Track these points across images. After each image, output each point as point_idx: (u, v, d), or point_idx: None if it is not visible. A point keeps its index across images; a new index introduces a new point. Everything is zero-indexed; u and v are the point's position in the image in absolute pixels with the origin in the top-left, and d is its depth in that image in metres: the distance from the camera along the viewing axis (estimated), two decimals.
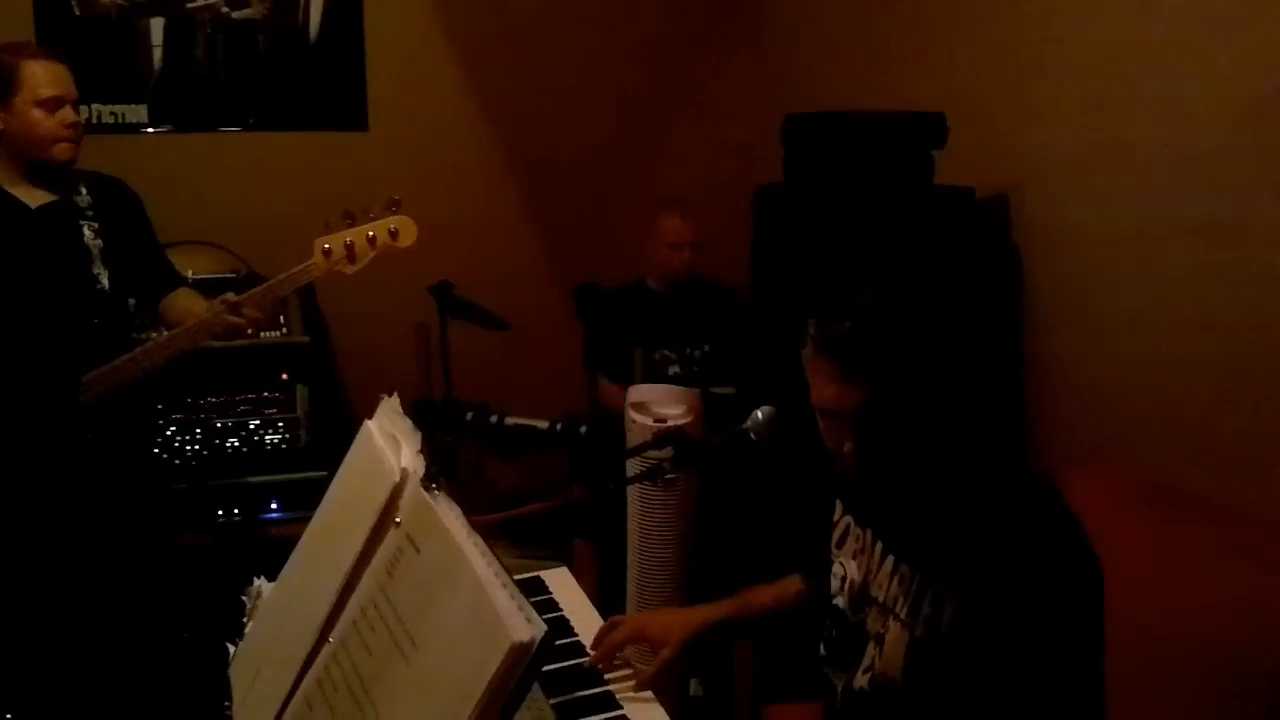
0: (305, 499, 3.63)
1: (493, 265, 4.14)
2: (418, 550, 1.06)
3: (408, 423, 1.25)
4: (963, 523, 1.58)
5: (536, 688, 1.76)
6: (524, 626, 0.90)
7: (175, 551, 3.26)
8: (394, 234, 2.76)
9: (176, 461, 3.60)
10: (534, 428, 3.62)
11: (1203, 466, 2.56)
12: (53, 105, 2.65)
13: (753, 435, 1.95)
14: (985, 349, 2.86)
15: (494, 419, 3.65)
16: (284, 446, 3.72)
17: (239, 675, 1.36)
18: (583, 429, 3.60)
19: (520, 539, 3.83)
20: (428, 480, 1.11)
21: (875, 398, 1.52)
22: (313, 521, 1.38)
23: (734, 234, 3.50)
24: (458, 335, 3.84)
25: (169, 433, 3.60)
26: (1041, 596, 1.51)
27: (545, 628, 0.89)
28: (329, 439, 3.80)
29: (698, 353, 3.87)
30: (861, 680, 1.73)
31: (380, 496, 1.17)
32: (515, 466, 3.93)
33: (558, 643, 1.94)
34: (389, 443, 1.26)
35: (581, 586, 3.64)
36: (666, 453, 2.14)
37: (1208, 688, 2.12)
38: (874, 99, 3.38)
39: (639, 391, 3.08)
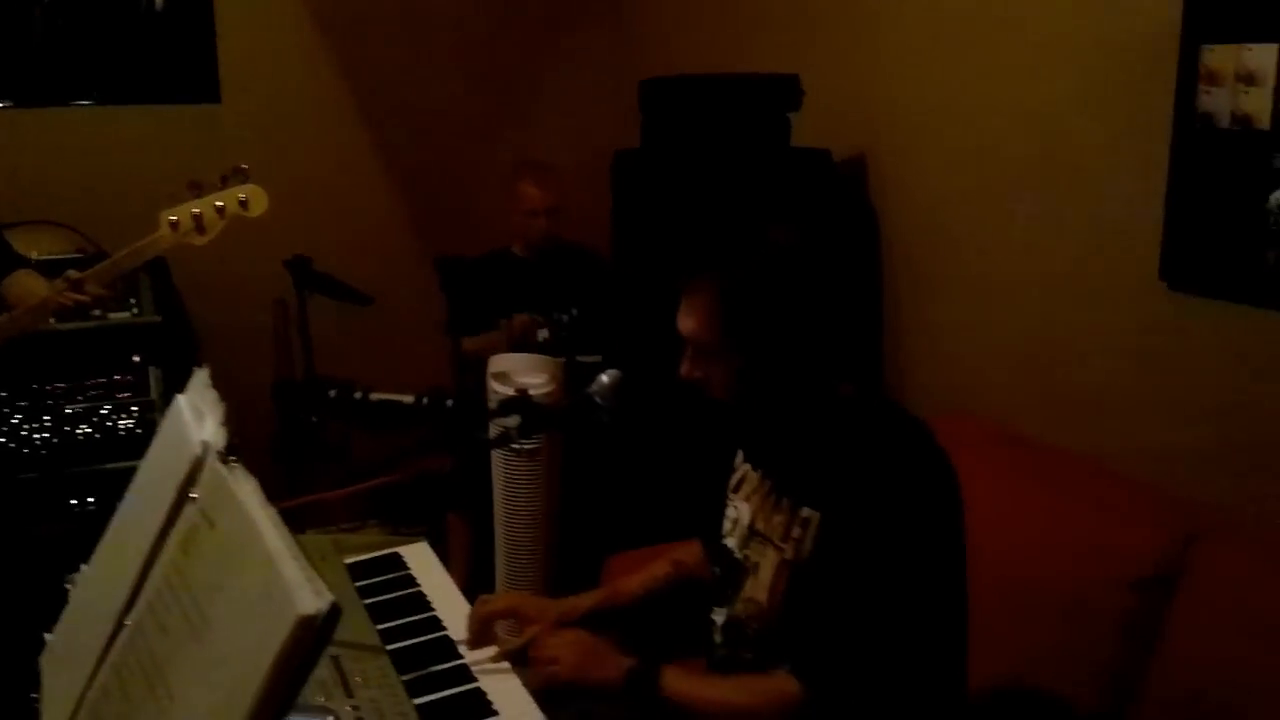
0: None
1: (353, 239, 4.07)
2: (212, 526, 1.02)
3: (214, 395, 1.20)
4: (826, 446, 1.67)
5: (389, 665, 1.74)
6: (311, 599, 0.87)
7: (34, 543, 3.14)
8: (244, 203, 2.69)
9: (25, 450, 3.44)
10: (400, 403, 3.55)
11: (1049, 415, 2.64)
12: None
13: (598, 399, 1.95)
14: (844, 302, 2.92)
15: (358, 396, 3.58)
16: (139, 431, 3.59)
17: (48, 666, 1.30)
18: (449, 402, 3.55)
19: (394, 518, 3.78)
20: (226, 453, 1.07)
21: (743, 335, 1.62)
22: (121, 502, 1.32)
23: (595, 199, 3.48)
24: (319, 311, 3.76)
25: (14, 421, 3.44)
26: (895, 514, 1.58)
27: (333, 599, 0.86)
28: None
29: (565, 318, 3.84)
30: (736, 609, 1.78)
31: (181, 472, 1.12)
32: (383, 444, 3.86)
33: (413, 619, 1.92)
34: (195, 417, 1.21)
35: (456, 561, 3.63)
36: (514, 420, 2.12)
37: (1045, 614, 2.21)
38: (730, 63, 3.39)
39: (501, 361, 3.05)
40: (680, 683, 1.68)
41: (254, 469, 3.32)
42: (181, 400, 1.30)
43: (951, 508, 1.65)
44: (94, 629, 1.15)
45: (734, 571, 1.80)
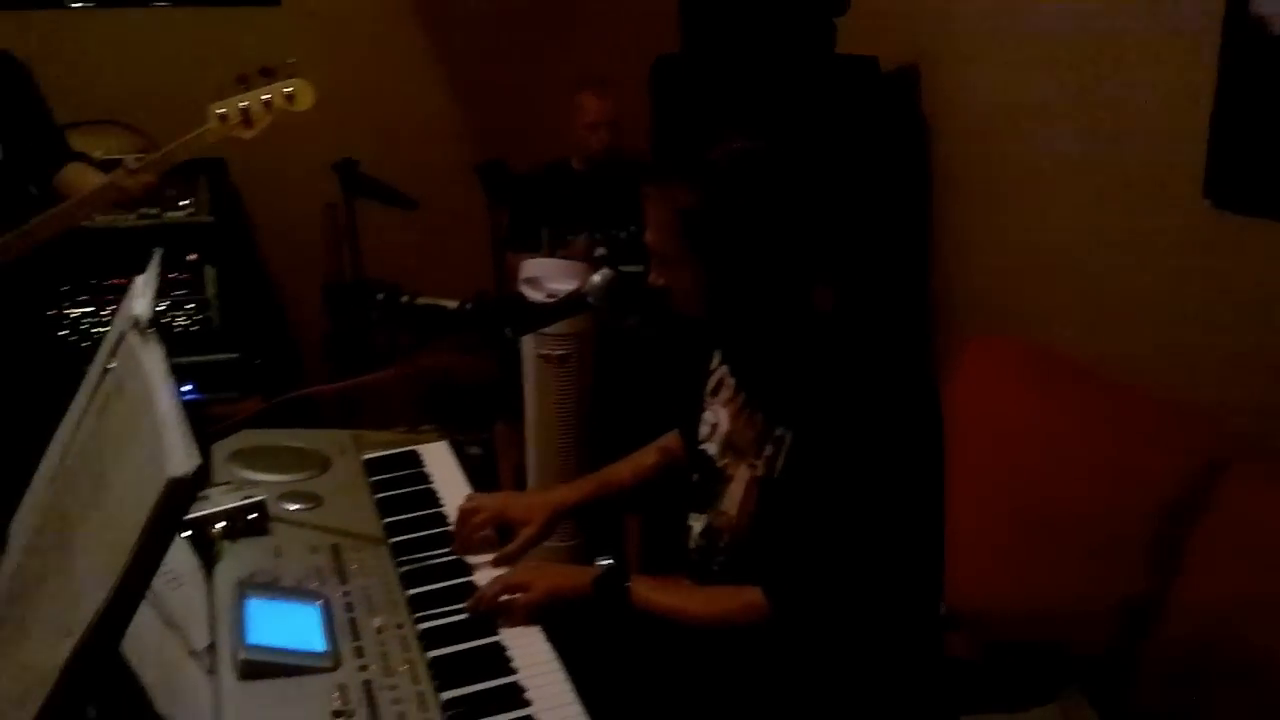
0: (219, 380, 3.64)
1: (401, 144, 4.07)
2: (122, 393, 1.04)
3: (154, 272, 1.22)
4: (798, 363, 1.63)
5: (387, 556, 1.76)
6: (183, 462, 0.88)
7: None
8: (290, 97, 2.69)
9: (84, 344, 3.57)
10: (444, 308, 3.59)
11: (1088, 332, 2.57)
12: None
13: (590, 299, 1.93)
14: (875, 210, 2.86)
15: (404, 299, 3.62)
16: (194, 329, 3.70)
17: (15, 529, 1.34)
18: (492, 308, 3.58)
19: (453, 424, 3.82)
20: (144, 325, 1.08)
21: (702, 244, 1.57)
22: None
23: (635, 106, 3.42)
24: (369, 215, 3.79)
25: (74, 315, 3.57)
26: (866, 435, 1.53)
27: (200, 460, 0.87)
28: (241, 320, 3.78)
29: (623, 234, 3.82)
30: (712, 520, 1.76)
31: (110, 344, 1.14)
32: (430, 348, 3.91)
33: (419, 513, 1.93)
34: (137, 294, 1.23)
35: (505, 468, 3.67)
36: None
37: (1067, 538, 2.17)
38: None
39: (531, 266, 3.05)
40: (650, 592, 1.65)
41: (306, 366, 3.40)
42: (137, 280, 1.32)
43: (927, 431, 1.60)
44: (36, 496, 1.19)
45: (712, 479, 1.77)
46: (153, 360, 1.02)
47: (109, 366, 1.09)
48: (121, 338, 1.12)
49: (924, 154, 3.09)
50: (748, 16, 2.93)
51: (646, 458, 2.03)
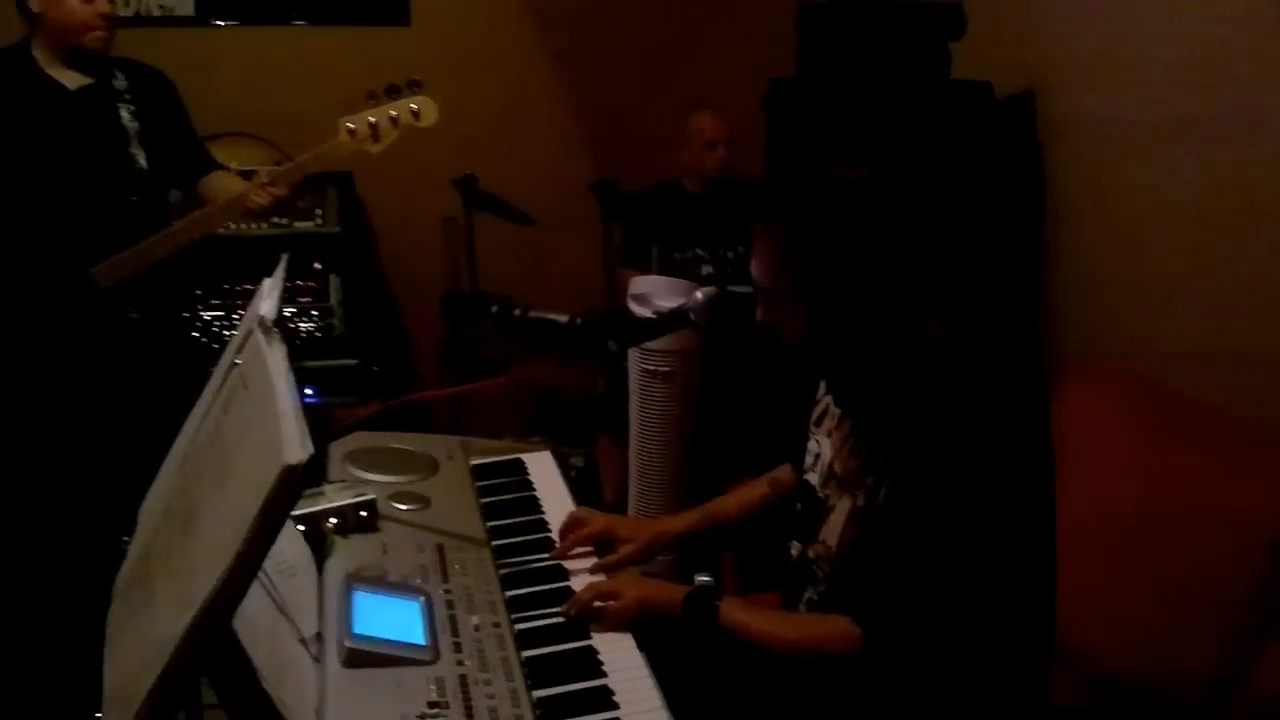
0: (340, 385, 3.77)
1: (521, 161, 4.17)
2: (246, 387, 1.11)
3: (281, 275, 1.30)
4: (905, 394, 1.61)
5: (489, 558, 1.82)
6: (298, 450, 0.94)
7: None
8: (415, 113, 2.81)
9: (215, 346, 3.74)
10: (554, 321, 3.66)
11: (1206, 366, 2.51)
12: None
13: (692, 316, 1.96)
14: (988, 239, 2.83)
15: (517, 312, 3.70)
16: (319, 334, 3.84)
17: (141, 514, 1.43)
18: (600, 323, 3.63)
19: (558, 435, 3.90)
20: (269, 325, 1.16)
21: (807, 279, 1.56)
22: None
23: (749, 128, 3.46)
24: (487, 230, 3.89)
25: (207, 318, 3.74)
26: (971, 471, 1.52)
27: (313, 451, 0.93)
28: (363, 327, 3.91)
29: (731, 254, 3.86)
30: (813, 549, 1.77)
31: (239, 341, 1.22)
32: (539, 360, 3.99)
33: (521, 519, 2.00)
34: (264, 296, 1.31)
35: (608, 482, 3.72)
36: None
37: (1173, 575, 2.12)
38: None
39: (639, 283, 3.10)
40: (740, 613, 1.67)
41: (421, 374, 3.50)
42: (264, 282, 1.40)
43: (1037, 466, 1.57)
44: (164, 481, 1.27)
45: (814, 509, 1.77)
46: (275, 358, 1.09)
47: (235, 362, 1.16)
48: (248, 335, 1.20)
49: (1039, 181, 3.05)
50: (863, 41, 2.94)
51: (756, 490, 2.04)
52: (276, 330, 1.14)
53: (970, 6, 2.93)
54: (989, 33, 2.97)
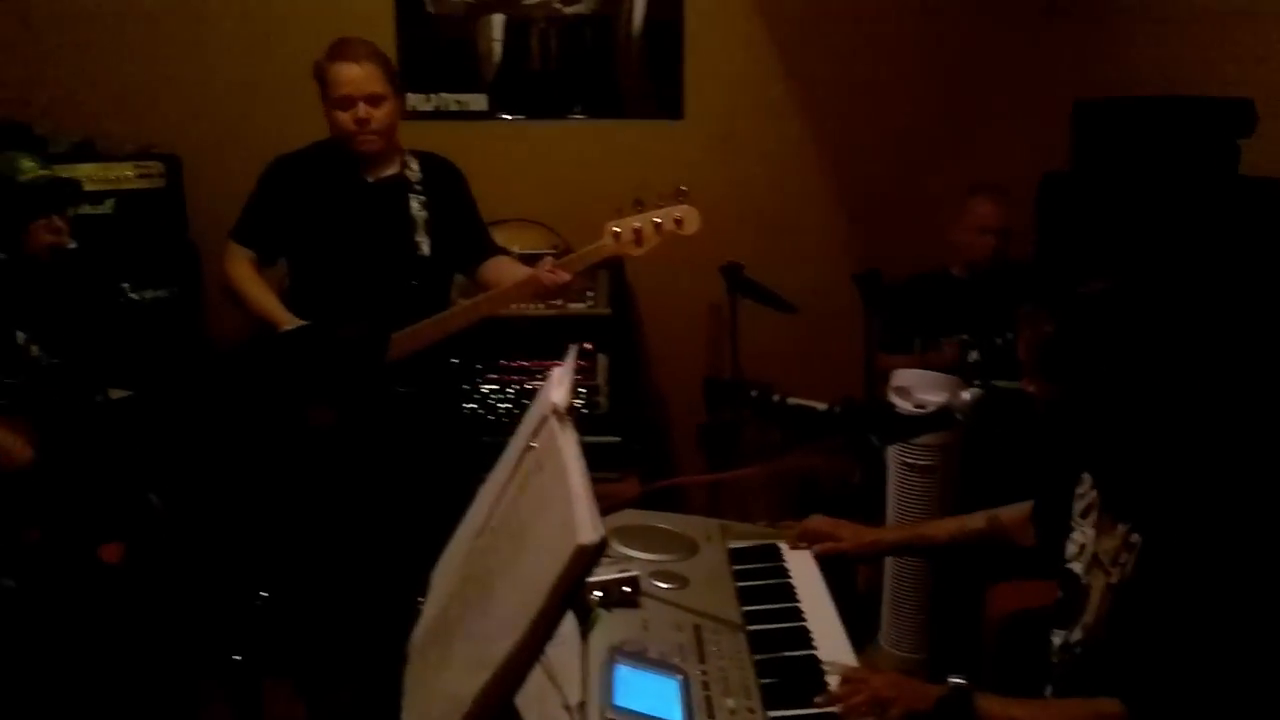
0: (602, 460, 3.92)
1: (786, 249, 4.26)
2: (541, 470, 1.21)
3: (570, 365, 1.41)
4: (1162, 473, 1.64)
5: (744, 643, 1.86)
6: (589, 532, 1.03)
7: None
8: (679, 222, 2.93)
9: (490, 417, 3.97)
10: (813, 409, 3.68)
11: None
12: (344, 104, 2.98)
13: (958, 415, 1.97)
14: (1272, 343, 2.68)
15: (776, 399, 3.74)
16: (584, 410, 4.01)
17: (435, 578, 1.57)
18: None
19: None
20: (562, 412, 1.26)
21: (1066, 397, 1.66)
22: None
23: (1020, 220, 3.41)
24: (750, 316, 3.98)
25: (484, 390, 3.98)
26: (1230, 543, 1.53)
27: (603, 533, 1.01)
28: (626, 406, 4.06)
29: (1000, 340, 3.79)
30: (1075, 635, 1.78)
31: (532, 426, 1.33)
32: (797, 448, 4.01)
33: (777, 606, 2.05)
34: (555, 384, 1.42)
35: (860, 570, 3.68)
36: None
37: None
38: (1170, 85, 3.17)
39: (902, 376, 3.10)
40: (999, 707, 1.66)
41: (681, 454, 3.60)
42: (555, 371, 1.52)
43: None
44: (459, 549, 1.39)
45: (1076, 596, 1.78)
46: (568, 443, 1.19)
47: (531, 445, 1.27)
48: (543, 421, 1.31)
49: None
50: (1143, 137, 2.86)
51: (972, 523, 2.12)
52: (569, 417, 1.24)
53: (1263, 101, 2.80)
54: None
